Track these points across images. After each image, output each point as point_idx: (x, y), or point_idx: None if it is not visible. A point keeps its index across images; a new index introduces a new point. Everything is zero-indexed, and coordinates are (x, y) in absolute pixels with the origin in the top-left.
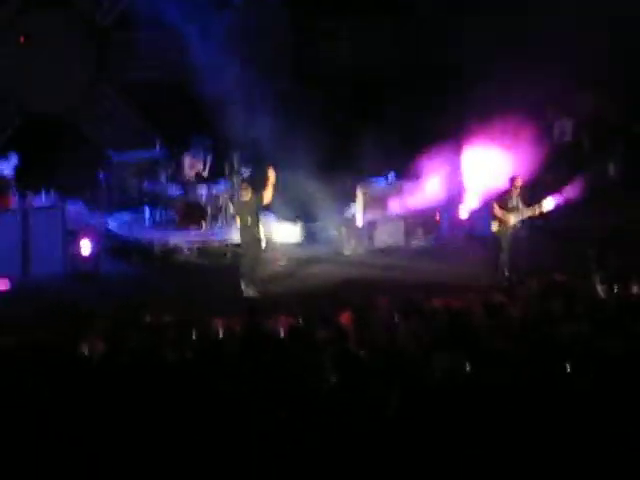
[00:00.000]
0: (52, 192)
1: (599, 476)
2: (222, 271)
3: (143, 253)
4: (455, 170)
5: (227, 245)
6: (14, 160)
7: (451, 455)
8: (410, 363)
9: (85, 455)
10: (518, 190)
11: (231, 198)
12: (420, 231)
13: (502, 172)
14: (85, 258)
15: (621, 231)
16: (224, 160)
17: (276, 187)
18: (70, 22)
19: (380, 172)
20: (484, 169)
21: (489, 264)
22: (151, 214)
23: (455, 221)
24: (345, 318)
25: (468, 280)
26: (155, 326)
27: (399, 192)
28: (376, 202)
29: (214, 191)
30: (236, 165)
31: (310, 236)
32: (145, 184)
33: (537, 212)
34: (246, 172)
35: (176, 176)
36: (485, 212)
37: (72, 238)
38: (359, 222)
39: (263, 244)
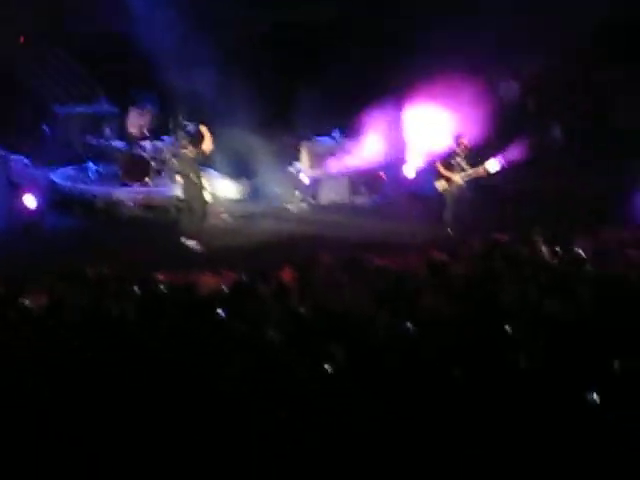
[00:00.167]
0: None
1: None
2: (165, 226)
3: (87, 207)
4: (400, 128)
5: (171, 199)
6: None
7: (393, 416)
8: (353, 322)
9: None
10: (463, 150)
11: (174, 153)
12: (364, 189)
13: (446, 131)
14: (29, 211)
15: (565, 193)
16: (168, 115)
17: (214, 140)
18: None
19: (325, 130)
20: (427, 127)
21: (433, 223)
22: (95, 169)
23: (400, 180)
24: (287, 275)
25: (412, 239)
26: (97, 280)
27: (344, 150)
28: (321, 159)
29: (158, 146)
30: (180, 120)
31: (254, 192)
32: (89, 138)
33: (482, 172)
34: (190, 127)
35: (120, 131)
36: (430, 171)
37: (16, 191)
38: (304, 179)
39: (206, 198)
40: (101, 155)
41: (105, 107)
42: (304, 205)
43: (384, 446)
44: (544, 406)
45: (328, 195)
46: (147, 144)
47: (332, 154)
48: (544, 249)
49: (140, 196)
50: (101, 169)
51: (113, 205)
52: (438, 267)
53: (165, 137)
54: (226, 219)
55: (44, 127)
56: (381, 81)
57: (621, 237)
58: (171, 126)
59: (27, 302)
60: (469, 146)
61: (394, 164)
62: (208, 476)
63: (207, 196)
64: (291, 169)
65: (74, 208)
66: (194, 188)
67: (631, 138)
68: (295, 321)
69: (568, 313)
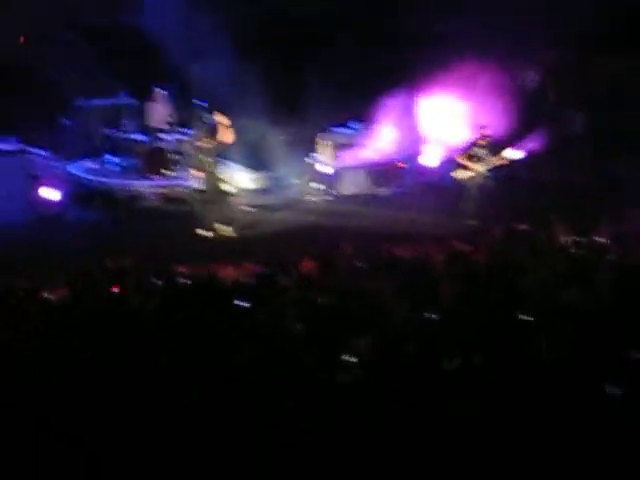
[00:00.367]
0: (15, 138)
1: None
2: (186, 218)
3: (107, 200)
4: (419, 118)
5: (190, 192)
6: None
7: (417, 402)
8: (374, 311)
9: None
10: (483, 140)
11: (194, 145)
12: (384, 180)
13: (465, 121)
14: (49, 204)
15: (584, 182)
16: (187, 107)
17: (233, 131)
18: None
19: (343, 121)
20: (446, 117)
21: (453, 213)
22: (115, 161)
23: (419, 170)
24: (308, 265)
25: (432, 229)
26: (118, 272)
27: (363, 141)
28: (340, 151)
29: (178, 138)
30: (199, 112)
31: (273, 184)
32: (109, 131)
33: (502, 162)
34: (209, 119)
35: (140, 123)
36: (450, 161)
37: (36, 185)
38: (323, 170)
39: (226, 190)
40: (121, 148)
41: (124, 100)
42: (323, 196)
43: (398, 437)
44: (564, 396)
45: (347, 186)
46: (166, 136)
47: (351, 145)
48: (564, 238)
49: (160, 189)
50: (121, 162)
51: (133, 198)
52: (458, 257)
53: (184, 129)
54: (246, 211)
55: (63, 120)
56: (399, 71)
57: None
58: (190, 118)
59: (48, 295)
60: (489, 136)
61: (413, 154)
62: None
63: (227, 188)
64: (310, 161)
65: (94, 201)
66: (213, 180)
67: None
68: (316, 311)
69: (588, 302)
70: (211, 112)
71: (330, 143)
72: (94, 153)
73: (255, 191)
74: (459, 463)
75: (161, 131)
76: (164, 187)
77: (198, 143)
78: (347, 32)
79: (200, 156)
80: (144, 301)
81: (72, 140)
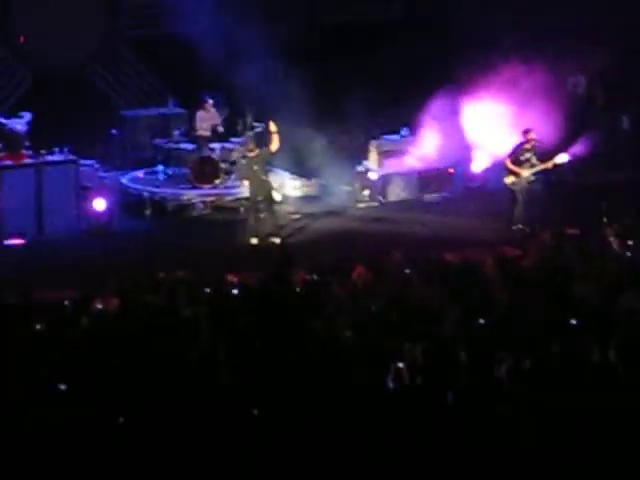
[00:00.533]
0: (65, 149)
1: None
2: (236, 226)
3: (157, 209)
4: (467, 124)
5: (240, 200)
6: (27, 117)
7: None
8: (424, 316)
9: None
10: (532, 144)
11: (243, 154)
12: (434, 185)
13: (514, 126)
14: (99, 215)
15: (635, 185)
16: (237, 116)
17: (282, 140)
18: None
19: (393, 127)
20: (495, 123)
21: (502, 218)
22: (164, 170)
23: (469, 175)
24: (359, 272)
25: (482, 233)
26: (169, 282)
27: (412, 147)
28: (389, 157)
29: (227, 147)
30: (249, 121)
31: (323, 191)
32: (158, 141)
33: (550, 166)
34: (258, 128)
35: (189, 132)
36: (499, 166)
37: (86, 194)
38: (373, 176)
39: (276, 198)
40: (170, 157)
41: (173, 109)
42: (373, 203)
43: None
44: (613, 399)
45: (397, 192)
46: (216, 145)
47: (399, 151)
48: (615, 241)
49: (210, 197)
50: (170, 171)
51: (183, 207)
52: (508, 261)
53: (234, 138)
54: (296, 218)
55: (113, 131)
56: (448, 76)
57: None
58: (240, 127)
59: (99, 306)
60: (538, 141)
61: (462, 160)
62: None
63: (276, 196)
64: (360, 167)
65: (144, 211)
66: (263, 188)
67: None
68: (369, 318)
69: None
70: (259, 120)
71: (380, 149)
72: (144, 163)
73: (303, 198)
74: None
75: (210, 140)
76: (214, 196)
77: (247, 151)
78: (394, 38)
79: (249, 164)
80: (196, 311)
81: (121, 150)
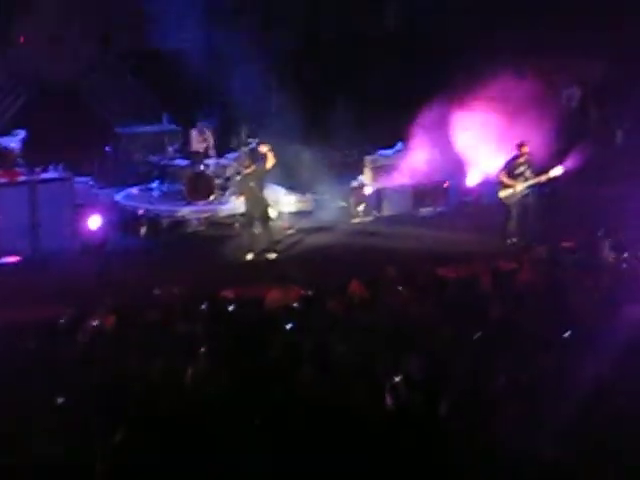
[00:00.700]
0: (60, 166)
1: None
2: (231, 242)
3: (152, 226)
4: (461, 137)
5: (235, 216)
6: (21, 134)
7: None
8: (419, 332)
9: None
10: (525, 157)
11: (238, 170)
12: (428, 199)
13: (508, 139)
14: (93, 232)
15: (629, 198)
16: (231, 132)
17: (277, 156)
18: None
19: (387, 143)
20: (489, 136)
21: (497, 231)
22: (159, 187)
23: (463, 189)
24: (354, 288)
25: (476, 248)
26: (164, 299)
27: (407, 161)
28: (384, 171)
29: (222, 163)
30: (244, 137)
31: (318, 206)
32: (153, 157)
33: (544, 179)
34: (252, 144)
35: (184, 148)
36: (493, 180)
37: (80, 212)
38: (367, 191)
39: (271, 214)
40: (165, 174)
41: (168, 126)
42: (368, 218)
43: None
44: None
45: (392, 207)
46: (211, 162)
47: (394, 166)
48: (610, 254)
49: (205, 214)
50: (165, 188)
51: (178, 223)
52: (503, 276)
53: (228, 154)
54: (291, 234)
55: (107, 148)
56: (442, 89)
57: None
58: (234, 143)
59: (96, 323)
60: (532, 154)
61: (457, 174)
62: None
63: (271, 212)
64: (354, 182)
65: (139, 228)
66: (258, 204)
67: None
68: (364, 334)
69: None
70: (254, 136)
71: (375, 164)
72: (138, 180)
73: (298, 213)
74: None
75: (204, 156)
76: (208, 212)
77: (243, 167)
78: (390, 52)
79: (245, 180)
80: (192, 328)
81: (116, 167)
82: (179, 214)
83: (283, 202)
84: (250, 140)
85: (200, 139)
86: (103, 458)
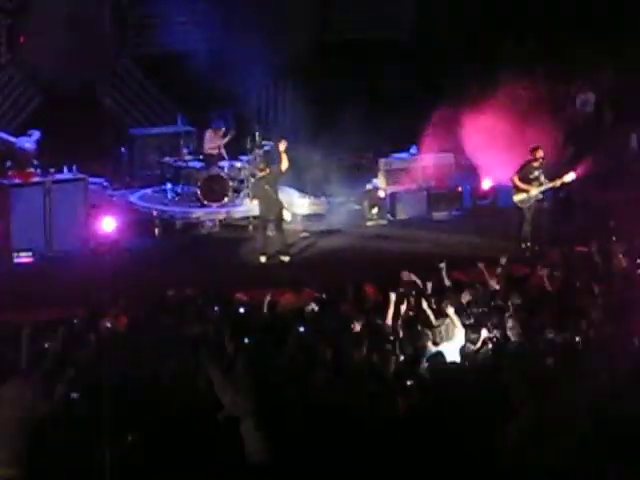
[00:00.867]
0: (74, 167)
1: None
2: (245, 245)
3: (165, 228)
4: (477, 141)
5: (250, 218)
6: (36, 135)
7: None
8: (433, 334)
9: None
10: (540, 161)
11: (252, 173)
12: (442, 203)
13: (523, 144)
14: (107, 233)
15: None
16: (246, 134)
17: (291, 158)
18: None
19: (402, 146)
20: (504, 140)
21: (511, 236)
22: (173, 189)
23: (477, 193)
24: (369, 291)
25: (490, 252)
26: (178, 300)
27: (421, 165)
28: (398, 175)
29: (236, 165)
30: (258, 139)
31: (332, 209)
32: (167, 159)
33: (559, 184)
34: (267, 146)
35: (198, 150)
36: (507, 184)
37: (94, 213)
38: (381, 194)
39: (285, 217)
40: (179, 175)
41: (182, 127)
42: (382, 221)
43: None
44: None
45: (406, 210)
46: (225, 164)
47: (408, 169)
48: (623, 259)
49: (219, 216)
50: (179, 189)
51: (192, 225)
52: (517, 280)
53: (243, 156)
54: (304, 236)
55: (122, 149)
56: (455, 93)
57: None
58: (249, 145)
59: (108, 324)
60: (546, 157)
61: (471, 178)
62: None
63: (286, 214)
64: (369, 185)
65: (153, 229)
66: (272, 207)
67: None
68: (379, 337)
69: None
70: (268, 138)
71: (389, 167)
72: (152, 181)
73: (312, 216)
74: None
75: (219, 158)
76: (223, 214)
77: (257, 170)
78: (402, 57)
79: (259, 183)
80: (205, 330)
81: (130, 168)
82: (193, 216)
83: (297, 205)
84: (265, 142)
85: (214, 138)
86: (114, 459)
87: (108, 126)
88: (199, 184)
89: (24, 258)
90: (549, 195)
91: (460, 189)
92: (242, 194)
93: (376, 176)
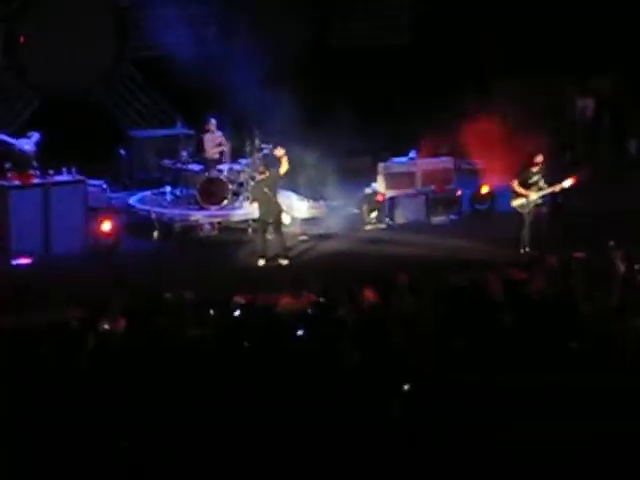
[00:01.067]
0: (73, 170)
1: None
2: (244, 247)
3: (164, 230)
4: (476, 146)
5: (248, 221)
6: (36, 137)
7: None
8: (431, 340)
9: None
10: (538, 166)
11: (251, 176)
12: (441, 207)
13: (521, 148)
14: (106, 235)
15: None
16: (245, 137)
17: (291, 162)
18: (89, 1)
19: (401, 150)
20: (502, 145)
21: (509, 240)
22: (172, 191)
23: (475, 197)
24: (367, 294)
25: (488, 256)
26: (176, 304)
27: (420, 169)
28: (397, 179)
29: (235, 168)
30: (257, 142)
31: (331, 213)
32: (166, 162)
33: (558, 189)
34: (266, 149)
35: (197, 153)
36: (506, 189)
37: (93, 215)
38: (380, 198)
39: (284, 220)
40: (178, 178)
41: (181, 130)
42: (381, 225)
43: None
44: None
45: (405, 214)
46: (224, 166)
47: (408, 173)
48: (622, 265)
49: (218, 219)
50: (178, 192)
51: (191, 228)
52: (515, 285)
53: (242, 159)
54: (303, 240)
55: (121, 151)
56: (455, 98)
57: None
58: (248, 148)
59: (106, 326)
60: (545, 162)
61: (470, 183)
62: None
63: (284, 217)
64: (368, 189)
65: (152, 232)
66: (271, 210)
67: None
68: (376, 341)
69: None
70: (268, 141)
71: (388, 172)
72: (151, 184)
73: (311, 220)
74: None
75: (218, 161)
76: (221, 217)
77: (257, 173)
78: (403, 63)
79: (259, 186)
80: (202, 333)
81: (129, 171)
82: (192, 218)
83: (296, 208)
84: (264, 146)
85: (213, 141)
86: (115, 460)
87: (107, 128)
88: (198, 187)
89: (23, 260)
90: (548, 200)
91: (459, 194)
92: (241, 197)
93: (375, 180)
